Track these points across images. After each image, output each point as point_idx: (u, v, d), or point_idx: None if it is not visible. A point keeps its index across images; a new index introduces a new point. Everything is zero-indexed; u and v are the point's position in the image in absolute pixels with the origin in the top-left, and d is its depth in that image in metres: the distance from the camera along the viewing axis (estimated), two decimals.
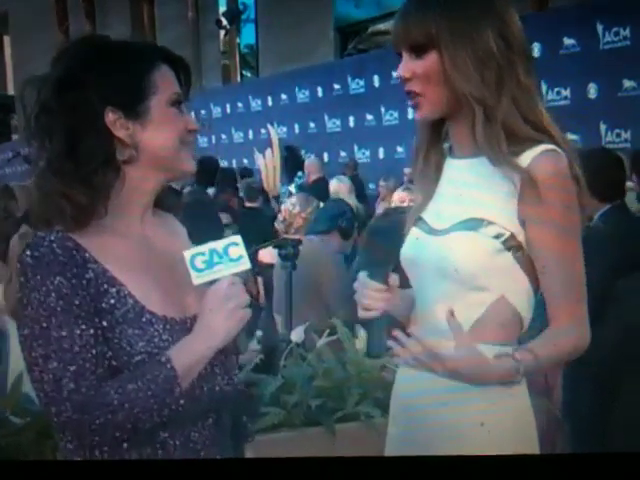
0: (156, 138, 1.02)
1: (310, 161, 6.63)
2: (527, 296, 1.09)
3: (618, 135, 4.88)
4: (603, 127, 4.94)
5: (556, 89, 5.15)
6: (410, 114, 5.80)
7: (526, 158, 1.05)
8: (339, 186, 4.94)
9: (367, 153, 7.33)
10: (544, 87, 4.91)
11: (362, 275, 1.11)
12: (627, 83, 4.79)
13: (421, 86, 1.08)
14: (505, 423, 1.07)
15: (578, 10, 5.28)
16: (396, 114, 6.81)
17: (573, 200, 1.06)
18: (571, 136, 4.57)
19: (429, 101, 1.08)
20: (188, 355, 0.97)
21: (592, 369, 1.97)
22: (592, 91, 5.03)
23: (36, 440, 1.63)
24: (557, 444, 1.93)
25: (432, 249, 1.10)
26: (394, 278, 1.09)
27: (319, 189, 5.41)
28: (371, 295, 1.07)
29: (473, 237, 1.06)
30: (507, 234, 1.06)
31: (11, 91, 17.14)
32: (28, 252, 0.96)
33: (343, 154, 7.40)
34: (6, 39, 17.62)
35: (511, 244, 1.06)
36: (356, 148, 7.42)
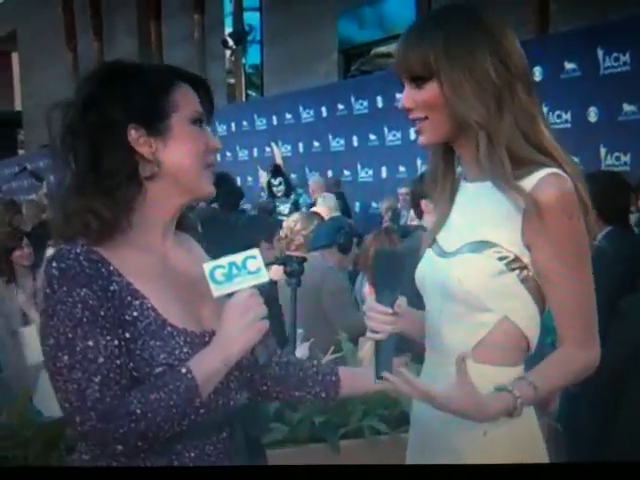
0: (178, 154, 1.04)
1: (314, 180, 6.71)
2: (532, 317, 1.09)
3: (617, 158, 4.92)
4: (603, 150, 4.98)
5: (557, 112, 5.20)
6: (412, 135, 5.83)
7: (530, 182, 1.05)
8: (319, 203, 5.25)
9: (370, 172, 7.37)
10: (545, 110, 4.94)
11: (370, 298, 1.13)
12: (627, 107, 4.84)
13: (424, 113, 1.09)
14: (509, 432, 1.07)
15: (579, 35, 5.34)
16: (399, 134, 6.86)
17: (578, 223, 1.05)
18: None
19: (432, 127, 1.09)
20: (207, 366, 0.99)
21: (597, 384, 1.99)
22: (592, 115, 5.08)
23: (43, 451, 1.64)
24: (560, 457, 1.94)
25: (439, 270, 1.12)
26: (401, 301, 1.10)
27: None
28: (377, 318, 1.07)
29: (476, 259, 1.07)
30: (511, 256, 1.06)
31: (18, 107, 17.26)
32: (54, 264, 0.98)
33: (347, 173, 7.46)
34: (14, 56, 17.78)
35: (515, 266, 1.06)
36: (359, 167, 7.47)
